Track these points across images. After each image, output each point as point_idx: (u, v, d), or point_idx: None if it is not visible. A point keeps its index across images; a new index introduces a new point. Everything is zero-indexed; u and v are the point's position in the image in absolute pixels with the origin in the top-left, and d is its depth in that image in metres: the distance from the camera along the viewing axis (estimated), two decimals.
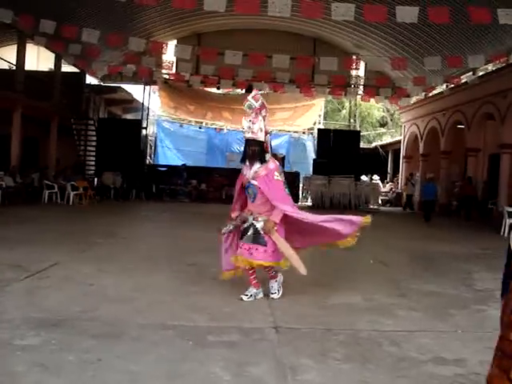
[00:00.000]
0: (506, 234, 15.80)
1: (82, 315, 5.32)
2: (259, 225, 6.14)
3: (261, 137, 6.08)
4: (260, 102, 6.12)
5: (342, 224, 6.30)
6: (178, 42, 27.61)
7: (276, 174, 6.12)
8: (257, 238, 6.11)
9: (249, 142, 6.14)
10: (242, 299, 6.17)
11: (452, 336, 5.24)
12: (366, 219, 6.32)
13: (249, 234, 6.15)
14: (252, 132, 6.07)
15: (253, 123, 6.06)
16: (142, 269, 7.96)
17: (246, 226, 6.22)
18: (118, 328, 4.95)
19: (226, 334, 4.88)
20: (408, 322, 5.66)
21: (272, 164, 6.17)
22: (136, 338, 4.70)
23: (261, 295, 6.36)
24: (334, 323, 5.44)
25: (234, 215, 6.41)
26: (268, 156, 6.22)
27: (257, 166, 6.12)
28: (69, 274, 7.35)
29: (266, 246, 6.07)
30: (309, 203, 27.44)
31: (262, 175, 6.08)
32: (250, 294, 6.26)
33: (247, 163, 6.20)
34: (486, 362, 4.42)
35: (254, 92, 6.28)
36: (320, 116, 35.73)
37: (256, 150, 6.10)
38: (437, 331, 5.37)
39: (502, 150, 20.39)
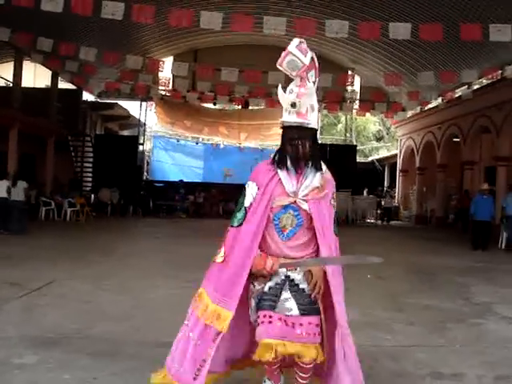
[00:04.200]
0: (503, 247, 15.86)
1: (78, 333, 5.32)
2: (301, 278, 3.37)
3: (313, 122, 3.35)
4: (310, 56, 3.33)
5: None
6: (174, 58, 27.77)
7: (334, 195, 3.54)
8: (305, 304, 3.33)
9: (293, 131, 3.33)
10: None
11: (449, 350, 5.24)
12: None
13: (285, 297, 3.33)
14: (298, 113, 3.29)
15: (299, 95, 3.30)
16: (140, 286, 7.95)
17: (271, 284, 3.37)
18: (114, 346, 4.95)
19: None
20: (405, 337, 5.66)
21: (330, 176, 3.53)
22: (132, 355, 4.70)
23: None
24: None
25: (269, 266, 3.32)
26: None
27: (312, 176, 3.36)
28: (66, 291, 7.34)
29: (319, 315, 3.36)
30: None
31: (319, 196, 3.38)
32: None
33: (286, 169, 3.36)
34: (484, 377, 4.46)
35: (296, 40, 3.34)
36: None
37: (309, 147, 3.33)
38: (434, 346, 5.37)
39: (497, 162, 20.46)
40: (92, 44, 18.84)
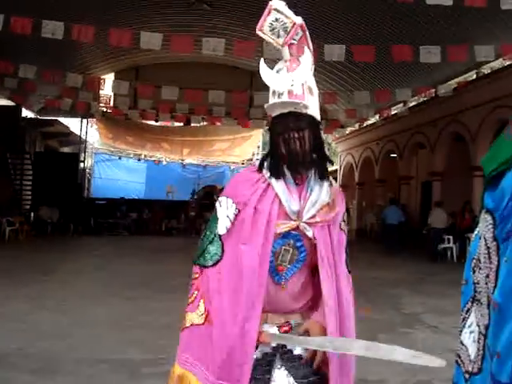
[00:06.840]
0: (438, 260, 16.46)
1: (18, 352, 5.38)
2: (301, 348, 2.27)
3: (313, 108, 2.26)
4: (301, 20, 2.32)
5: None
6: (115, 76, 27.68)
7: (345, 216, 2.53)
8: (305, 376, 2.25)
9: (286, 120, 2.22)
10: None
11: (376, 359, 5.51)
12: None
13: (279, 376, 2.22)
14: (291, 93, 2.21)
15: (289, 69, 2.28)
16: (79, 304, 8.00)
17: (258, 355, 2.21)
18: (53, 363, 5.05)
19: (160, 365, 5.01)
20: None
21: (339, 188, 2.60)
22: (71, 372, 4.82)
23: None
24: None
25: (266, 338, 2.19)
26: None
27: (318, 188, 2.31)
28: (5, 311, 7.35)
29: None
30: None
31: (330, 216, 2.33)
32: None
33: (283, 179, 2.26)
34: (406, 381, 4.76)
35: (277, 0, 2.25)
36: (258, 147, 36.23)
37: (310, 142, 2.23)
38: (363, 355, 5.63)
39: (432, 177, 21.18)
40: (32, 61, 18.67)
